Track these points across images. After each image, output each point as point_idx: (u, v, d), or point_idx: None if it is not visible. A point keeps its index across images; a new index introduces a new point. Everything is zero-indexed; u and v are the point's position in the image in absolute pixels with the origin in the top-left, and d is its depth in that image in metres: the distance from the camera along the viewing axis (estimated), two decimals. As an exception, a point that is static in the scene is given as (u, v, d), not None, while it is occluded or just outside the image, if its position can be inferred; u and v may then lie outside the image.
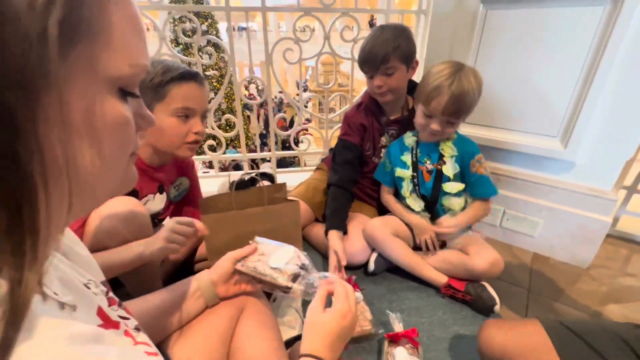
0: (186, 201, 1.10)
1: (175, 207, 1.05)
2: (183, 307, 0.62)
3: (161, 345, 0.60)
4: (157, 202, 0.95)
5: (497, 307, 0.97)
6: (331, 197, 1.23)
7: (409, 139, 1.13)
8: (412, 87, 1.17)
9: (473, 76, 0.95)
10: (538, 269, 1.25)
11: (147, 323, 0.58)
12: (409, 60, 1.10)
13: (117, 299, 0.38)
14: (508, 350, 0.67)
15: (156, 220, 0.99)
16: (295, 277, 0.61)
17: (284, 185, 1.01)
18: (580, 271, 1.24)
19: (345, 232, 1.17)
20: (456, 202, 1.09)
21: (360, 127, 1.25)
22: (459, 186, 1.07)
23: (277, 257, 0.64)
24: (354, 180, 1.28)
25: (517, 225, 1.33)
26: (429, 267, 1.10)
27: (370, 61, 1.08)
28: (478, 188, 1.08)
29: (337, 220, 1.16)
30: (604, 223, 1.16)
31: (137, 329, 0.37)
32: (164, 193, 0.96)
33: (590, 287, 1.16)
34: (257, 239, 0.72)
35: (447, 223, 1.07)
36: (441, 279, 1.07)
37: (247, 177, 1.49)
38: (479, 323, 0.99)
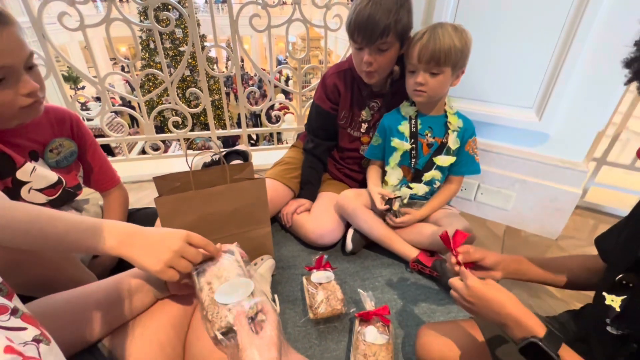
0: (85, 168, 0.92)
1: (68, 174, 0.86)
2: (127, 303, 0.56)
3: (106, 339, 0.55)
4: (45, 170, 0.78)
5: None
6: (307, 164, 1.27)
7: (406, 108, 1.06)
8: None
9: (453, 28, 0.89)
10: (510, 241, 1.27)
11: (86, 318, 0.52)
12: (405, 37, 0.97)
13: (10, 306, 0.31)
14: (447, 357, 0.67)
15: (77, 193, 0.87)
16: (226, 333, 0.48)
17: (249, 164, 0.93)
18: (549, 242, 1.26)
19: (314, 201, 1.25)
20: (434, 174, 1.06)
21: (334, 88, 1.16)
22: (451, 159, 1.04)
23: (227, 289, 0.51)
24: (329, 148, 1.29)
25: (491, 199, 1.33)
26: (401, 240, 1.08)
27: (367, 30, 0.91)
28: (464, 166, 1.07)
29: (309, 191, 1.25)
30: (574, 194, 1.17)
31: (36, 340, 0.31)
32: (40, 159, 0.79)
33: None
34: (234, 246, 0.61)
35: (407, 217, 1.07)
36: (412, 253, 1.05)
37: (217, 157, 1.40)
38: (450, 297, 0.98)
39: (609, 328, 0.49)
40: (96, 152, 0.93)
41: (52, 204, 0.81)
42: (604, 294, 0.51)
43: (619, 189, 1.43)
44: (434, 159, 1.04)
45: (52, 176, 0.80)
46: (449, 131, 1.03)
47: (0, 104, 0.62)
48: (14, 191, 0.74)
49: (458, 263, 0.62)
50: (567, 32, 1.00)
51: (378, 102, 1.15)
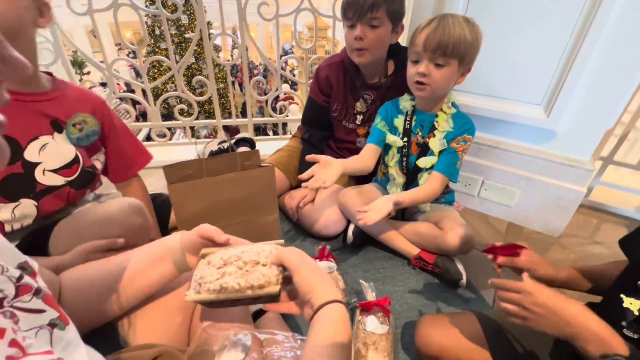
0: (107, 153, 0.86)
1: (87, 155, 0.79)
2: (147, 273, 0.54)
3: (118, 320, 0.56)
4: (62, 145, 0.73)
5: (462, 282, 0.97)
6: (305, 153, 1.26)
7: (405, 102, 1.03)
8: (393, 51, 1.08)
9: (464, 19, 0.85)
10: (512, 238, 1.27)
11: (105, 290, 0.51)
12: (397, 20, 0.99)
13: (33, 286, 0.32)
14: (445, 347, 0.67)
15: (95, 173, 0.80)
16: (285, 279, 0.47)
17: (257, 152, 0.95)
18: (551, 240, 1.27)
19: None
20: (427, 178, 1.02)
21: (325, 81, 1.16)
22: (432, 160, 0.99)
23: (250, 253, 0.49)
24: (325, 137, 1.30)
25: (494, 196, 1.33)
26: (402, 238, 1.08)
27: (357, 4, 0.93)
28: (442, 162, 0.99)
29: None
30: (578, 193, 1.17)
31: (52, 324, 0.32)
32: (63, 132, 0.73)
33: (559, 255, 1.19)
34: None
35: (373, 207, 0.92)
36: (413, 250, 1.06)
37: (225, 145, 1.41)
38: (451, 290, 1.00)
39: (625, 331, 0.48)
40: (124, 134, 0.87)
41: (71, 185, 0.75)
42: (622, 296, 0.49)
43: (624, 189, 1.42)
44: (417, 162, 1.01)
45: (68, 154, 0.73)
46: (435, 132, 0.98)
47: None
48: (28, 176, 0.68)
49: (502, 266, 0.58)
50: (580, 28, 0.98)
51: (371, 94, 1.14)
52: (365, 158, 1.04)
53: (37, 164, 0.69)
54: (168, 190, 0.84)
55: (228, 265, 0.46)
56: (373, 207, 0.91)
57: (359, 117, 1.19)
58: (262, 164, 0.94)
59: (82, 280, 0.51)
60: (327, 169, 0.91)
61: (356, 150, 1.25)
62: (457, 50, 0.84)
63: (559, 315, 0.48)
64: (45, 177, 0.70)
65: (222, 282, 0.44)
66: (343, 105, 1.19)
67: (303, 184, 0.91)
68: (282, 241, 0.54)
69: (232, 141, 1.47)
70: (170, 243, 0.55)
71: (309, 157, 0.92)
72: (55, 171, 0.72)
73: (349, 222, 1.17)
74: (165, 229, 1.04)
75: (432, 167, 1.01)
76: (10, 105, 0.67)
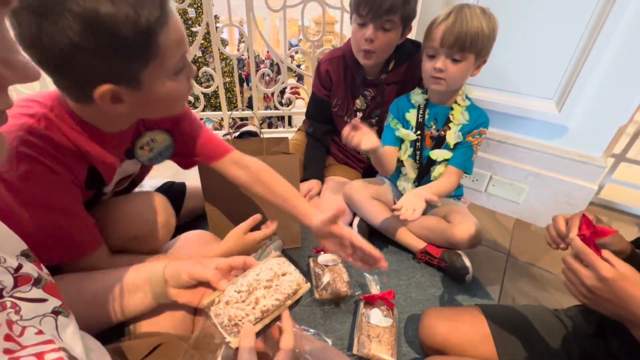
0: (188, 143, 0.78)
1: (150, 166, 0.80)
2: (124, 301, 0.53)
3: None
4: (128, 166, 0.74)
5: (468, 277, 0.96)
6: (310, 146, 1.28)
7: (417, 95, 1.01)
8: (396, 48, 1.04)
9: (481, 11, 0.83)
10: (519, 234, 1.25)
11: (83, 312, 0.48)
12: (407, 23, 0.96)
13: (33, 276, 0.31)
14: (449, 340, 0.67)
15: (141, 179, 0.84)
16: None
17: (286, 139, 0.97)
18: (559, 237, 1.25)
19: (322, 181, 1.24)
20: (441, 170, 1.02)
21: (326, 75, 1.15)
22: (446, 154, 0.98)
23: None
24: (329, 131, 1.30)
25: (502, 191, 1.31)
26: (407, 232, 1.07)
27: (374, 3, 0.88)
28: (458, 156, 0.99)
29: (314, 170, 1.24)
30: (589, 190, 1.15)
31: (55, 312, 0.31)
32: (134, 158, 0.72)
33: (566, 253, 1.16)
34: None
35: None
36: (419, 245, 1.04)
37: (229, 138, 1.41)
38: (457, 285, 0.99)
39: None
40: (194, 119, 0.79)
41: (114, 194, 0.77)
42: None
43: (636, 187, 1.39)
44: (430, 153, 1.00)
45: (128, 171, 0.74)
46: (450, 124, 0.97)
47: (180, 96, 0.57)
48: (93, 201, 0.70)
49: (585, 240, 0.52)
50: (595, 21, 0.95)
51: (371, 91, 1.13)
52: (389, 159, 1.02)
53: (106, 193, 0.72)
54: (198, 168, 0.88)
55: (254, 292, 0.45)
56: (407, 206, 0.85)
57: (359, 114, 1.17)
58: (297, 154, 0.98)
59: (71, 288, 0.51)
60: (367, 134, 0.86)
61: None
62: (474, 45, 0.83)
63: (623, 304, 0.43)
64: (103, 198, 0.73)
65: (261, 308, 0.43)
66: (344, 101, 1.17)
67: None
68: (279, 252, 0.52)
69: (236, 134, 1.47)
70: (149, 273, 0.53)
71: (354, 123, 0.85)
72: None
73: (354, 215, 1.16)
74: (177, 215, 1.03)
75: (444, 160, 1.00)
76: (106, 151, 0.61)
